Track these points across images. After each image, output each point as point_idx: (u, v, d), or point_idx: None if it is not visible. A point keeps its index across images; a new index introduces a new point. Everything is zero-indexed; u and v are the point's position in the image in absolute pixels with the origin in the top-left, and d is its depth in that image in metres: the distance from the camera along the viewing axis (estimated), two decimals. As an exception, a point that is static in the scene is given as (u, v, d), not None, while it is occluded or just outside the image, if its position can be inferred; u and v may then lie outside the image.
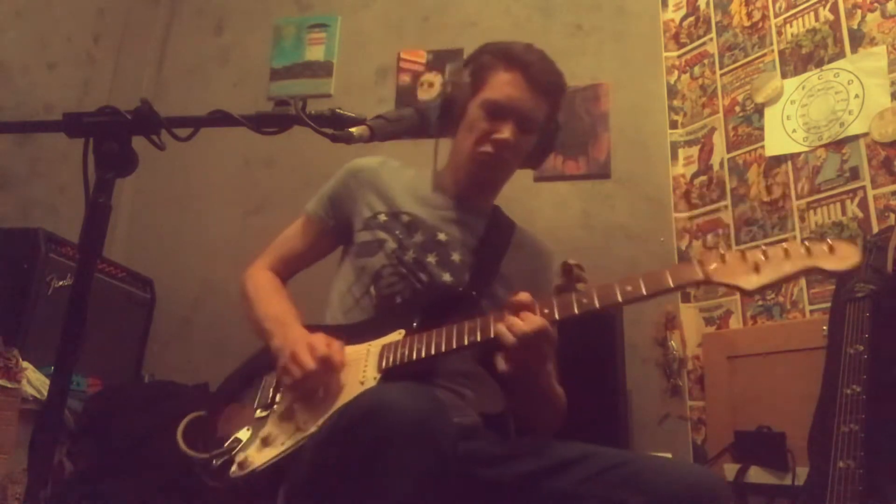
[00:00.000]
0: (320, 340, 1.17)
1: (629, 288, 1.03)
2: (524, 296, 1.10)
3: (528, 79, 1.34)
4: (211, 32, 3.02)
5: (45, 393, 1.25)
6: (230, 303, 2.58)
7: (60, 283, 2.08)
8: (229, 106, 0.93)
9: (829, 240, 0.96)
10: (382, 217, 1.39)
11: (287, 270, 1.50)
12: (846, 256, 0.94)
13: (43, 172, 2.49)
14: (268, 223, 2.65)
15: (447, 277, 1.32)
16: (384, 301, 1.32)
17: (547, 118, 1.39)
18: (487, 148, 1.34)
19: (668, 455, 1.96)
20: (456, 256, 1.36)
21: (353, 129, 0.98)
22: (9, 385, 1.70)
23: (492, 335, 1.09)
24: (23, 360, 1.79)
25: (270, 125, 0.94)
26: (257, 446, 1.12)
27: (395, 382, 0.99)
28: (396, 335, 1.19)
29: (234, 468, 1.10)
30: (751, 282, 0.97)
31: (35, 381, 1.83)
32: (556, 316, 1.07)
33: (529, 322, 1.05)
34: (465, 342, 1.11)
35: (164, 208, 2.81)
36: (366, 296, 1.34)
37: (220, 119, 0.92)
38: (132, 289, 2.47)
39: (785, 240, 2.06)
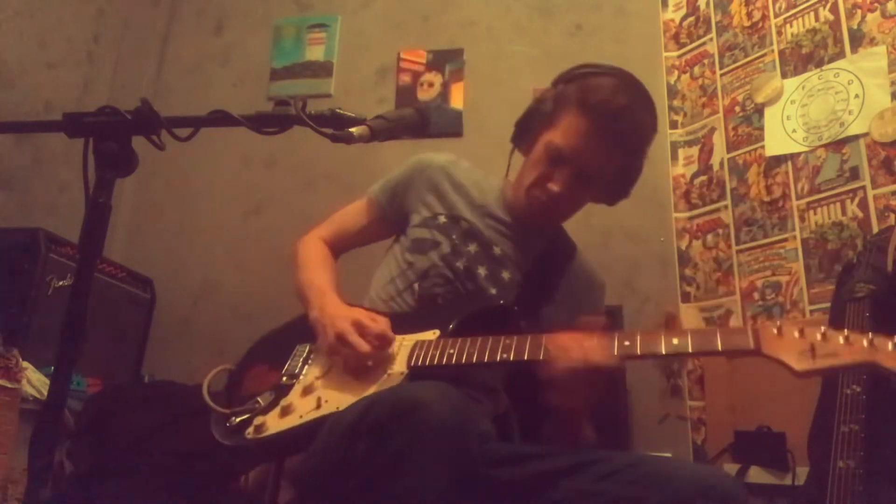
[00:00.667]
0: (365, 317, 1.17)
1: (675, 341, 1.00)
2: (593, 320, 1.08)
3: (603, 131, 1.23)
4: (211, 32, 3.02)
5: (45, 393, 1.25)
6: (230, 303, 2.61)
7: (60, 283, 2.08)
8: (229, 106, 0.92)
9: (895, 338, 0.90)
10: (442, 218, 1.37)
11: (340, 245, 1.49)
12: None
13: (43, 172, 2.49)
14: (268, 223, 2.68)
15: (493, 293, 1.31)
16: (425, 299, 1.32)
17: (623, 168, 1.32)
18: (540, 195, 1.30)
19: (668, 455, 1.96)
20: (506, 274, 1.34)
21: (353, 129, 0.98)
22: (9, 385, 1.70)
23: (541, 357, 1.05)
24: (23, 360, 1.79)
25: (270, 125, 0.94)
26: (277, 413, 1.13)
27: (428, 381, 0.98)
28: (430, 334, 1.19)
29: (249, 430, 1.11)
30: (802, 363, 0.91)
31: (35, 381, 1.83)
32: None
33: (597, 349, 1.01)
34: (506, 357, 1.07)
35: (164, 208, 2.81)
36: (408, 290, 1.34)
37: (220, 119, 0.92)
38: (132, 289, 2.47)
39: (785, 240, 2.07)
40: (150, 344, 2.55)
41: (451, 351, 1.12)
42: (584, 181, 1.28)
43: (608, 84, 1.26)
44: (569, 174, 1.27)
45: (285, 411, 1.12)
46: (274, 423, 1.11)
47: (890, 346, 0.90)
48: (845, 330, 0.93)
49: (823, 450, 1.42)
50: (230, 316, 2.56)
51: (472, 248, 1.34)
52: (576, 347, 1.01)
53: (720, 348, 0.99)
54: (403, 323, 1.24)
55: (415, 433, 0.86)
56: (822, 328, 0.94)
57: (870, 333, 0.91)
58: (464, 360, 1.10)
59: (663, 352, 1.00)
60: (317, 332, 1.22)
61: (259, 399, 1.17)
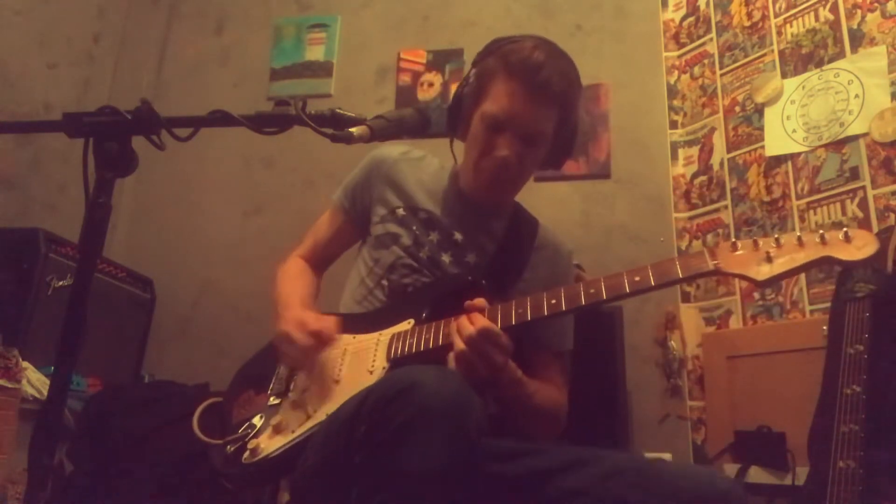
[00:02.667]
0: (310, 316, 1.18)
1: (637, 279, 1.01)
2: (479, 301, 1.11)
3: (532, 88, 1.24)
4: (211, 32, 3.02)
5: (45, 393, 1.25)
6: (230, 303, 2.61)
7: (60, 283, 2.08)
8: (229, 106, 0.93)
9: (845, 228, 0.92)
10: (400, 211, 1.39)
11: (318, 259, 1.51)
12: (862, 245, 0.90)
13: (43, 172, 2.49)
14: (268, 223, 2.68)
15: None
16: (395, 292, 1.33)
17: (559, 123, 1.31)
18: (489, 165, 1.30)
19: (668, 455, 1.96)
20: (471, 257, 1.35)
21: (353, 129, 0.98)
22: (9, 385, 1.70)
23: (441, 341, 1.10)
24: (23, 360, 1.79)
25: (270, 125, 0.94)
26: (269, 433, 1.14)
27: (424, 364, 0.98)
28: (406, 325, 1.20)
29: (246, 455, 1.12)
30: (762, 272, 0.93)
31: (35, 381, 1.83)
32: (563, 307, 1.06)
33: (476, 322, 1.05)
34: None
35: (164, 208, 2.81)
36: (378, 287, 1.35)
37: (220, 119, 0.92)
38: (132, 289, 2.47)
39: (785, 240, 2.07)
40: (150, 344, 2.55)
41: (428, 336, 1.13)
42: (526, 141, 1.28)
43: (525, 45, 1.28)
44: (511, 137, 1.27)
45: (277, 430, 1.13)
46: (267, 444, 1.12)
47: (841, 236, 0.91)
48: (798, 232, 0.95)
49: (823, 450, 1.42)
50: (230, 316, 2.56)
51: (433, 236, 1.35)
52: (463, 319, 1.07)
53: (681, 275, 0.99)
54: (378, 319, 1.25)
55: (415, 409, 0.86)
56: (776, 235, 0.96)
57: (821, 230, 0.93)
58: (440, 343, 1.12)
59: (628, 290, 1.01)
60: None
61: (251, 423, 1.18)
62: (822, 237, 0.92)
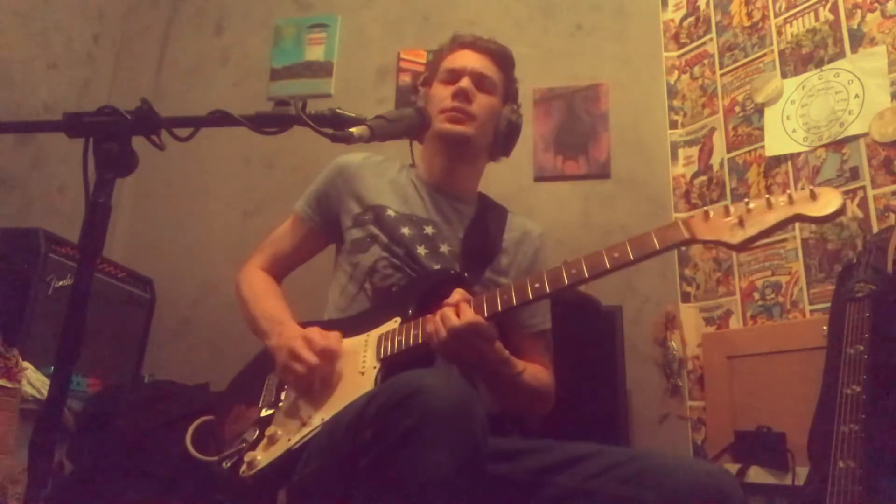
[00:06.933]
0: (315, 333, 1.19)
1: (616, 255, 1.04)
2: (458, 293, 1.12)
3: (475, 48, 1.47)
4: (211, 32, 3.02)
5: (45, 393, 1.25)
6: (230, 303, 2.57)
7: (60, 283, 2.08)
8: (229, 106, 0.93)
9: (810, 186, 0.96)
10: (370, 213, 1.40)
11: (279, 269, 1.52)
12: (828, 202, 0.94)
13: (43, 172, 2.49)
14: (268, 223, 2.63)
15: (437, 269, 1.34)
16: (379, 293, 1.33)
17: (504, 90, 1.48)
18: (453, 104, 1.40)
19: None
20: (445, 248, 1.37)
21: (353, 129, 0.98)
22: (9, 385, 1.70)
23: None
24: (23, 360, 1.79)
25: (270, 125, 0.94)
26: (264, 445, 1.14)
27: (427, 369, 0.99)
28: (392, 323, 1.21)
29: (243, 468, 1.12)
30: (736, 236, 0.97)
31: (35, 381, 1.82)
32: (547, 290, 1.08)
33: (463, 316, 1.07)
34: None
35: (164, 208, 2.80)
36: (361, 292, 1.36)
37: (220, 119, 0.92)
38: (132, 289, 2.47)
39: (785, 240, 2.07)
40: (150, 344, 2.54)
41: (416, 332, 1.15)
42: (480, 86, 1.43)
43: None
44: (468, 80, 1.42)
45: (272, 440, 1.13)
46: (264, 455, 1.12)
47: (808, 194, 0.95)
48: (767, 195, 0.99)
49: (823, 450, 1.42)
50: (230, 316, 2.52)
51: (405, 232, 1.37)
52: (448, 311, 1.10)
53: (658, 247, 1.03)
54: (364, 321, 1.26)
55: (422, 414, 0.86)
56: (746, 200, 0.99)
57: (789, 190, 0.97)
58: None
59: (609, 267, 1.04)
60: (275, 358, 1.24)
61: (245, 437, 1.18)
62: (789, 197, 0.96)
